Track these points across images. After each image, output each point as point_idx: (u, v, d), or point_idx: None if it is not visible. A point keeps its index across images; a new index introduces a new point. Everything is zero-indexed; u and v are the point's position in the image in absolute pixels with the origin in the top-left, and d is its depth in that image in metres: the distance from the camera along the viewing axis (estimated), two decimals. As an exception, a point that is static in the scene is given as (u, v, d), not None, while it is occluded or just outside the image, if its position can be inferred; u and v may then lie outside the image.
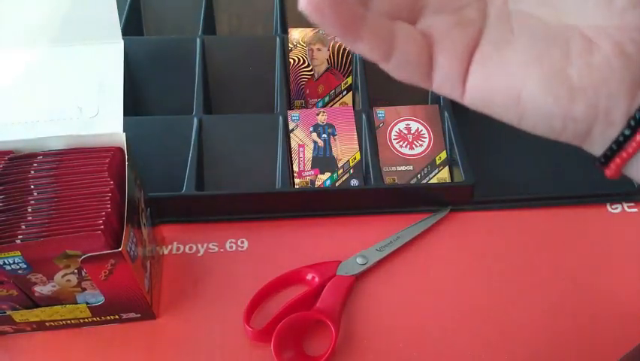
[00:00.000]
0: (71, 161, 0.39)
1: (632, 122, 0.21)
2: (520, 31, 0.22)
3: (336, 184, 0.54)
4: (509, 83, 0.21)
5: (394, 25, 0.22)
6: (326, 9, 0.20)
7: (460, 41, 0.22)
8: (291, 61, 0.60)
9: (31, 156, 0.39)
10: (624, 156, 0.21)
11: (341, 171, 0.54)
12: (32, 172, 0.38)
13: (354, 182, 0.54)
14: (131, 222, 0.38)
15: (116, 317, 0.43)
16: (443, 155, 0.55)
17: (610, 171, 0.23)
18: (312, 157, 0.55)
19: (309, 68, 0.60)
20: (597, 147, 0.22)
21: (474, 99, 0.22)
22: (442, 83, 0.22)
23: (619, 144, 0.21)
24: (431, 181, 0.54)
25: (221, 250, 0.50)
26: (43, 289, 0.39)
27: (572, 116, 0.21)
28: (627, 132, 0.21)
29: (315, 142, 0.55)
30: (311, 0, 0.20)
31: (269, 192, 0.51)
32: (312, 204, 0.52)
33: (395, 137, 0.56)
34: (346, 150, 0.55)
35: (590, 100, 0.21)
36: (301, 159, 0.54)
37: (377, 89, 0.59)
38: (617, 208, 0.53)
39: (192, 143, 0.53)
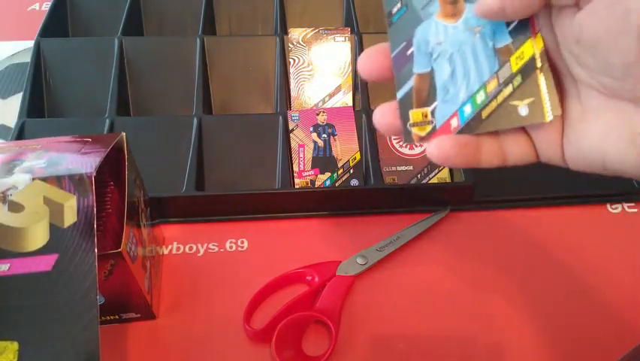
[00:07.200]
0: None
1: None
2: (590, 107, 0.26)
3: (336, 184, 0.54)
4: (594, 154, 0.26)
5: (500, 139, 0.28)
6: (452, 157, 0.27)
7: (552, 133, 0.27)
8: (291, 61, 0.60)
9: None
10: None
11: (341, 171, 0.54)
12: (32, 172, 0.38)
13: (354, 182, 0.54)
14: (131, 222, 0.38)
15: (116, 317, 0.43)
16: (443, 155, 0.55)
17: None
18: (312, 157, 0.55)
19: (309, 68, 0.60)
20: None
21: (575, 166, 0.27)
22: (549, 162, 0.28)
23: None
24: (431, 181, 0.54)
25: (221, 250, 0.50)
26: (43, 289, 0.39)
27: None
28: None
29: (315, 142, 0.55)
30: (439, 152, 0.26)
31: (269, 192, 0.51)
32: (312, 204, 0.52)
33: (395, 137, 0.56)
34: (346, 150, 0.55)
35: None
36: (301, 159, 0.54)
37: (377, 89, 0.59)
38: (617, 208, 0.53)
39: (192, 143, 0.53)
